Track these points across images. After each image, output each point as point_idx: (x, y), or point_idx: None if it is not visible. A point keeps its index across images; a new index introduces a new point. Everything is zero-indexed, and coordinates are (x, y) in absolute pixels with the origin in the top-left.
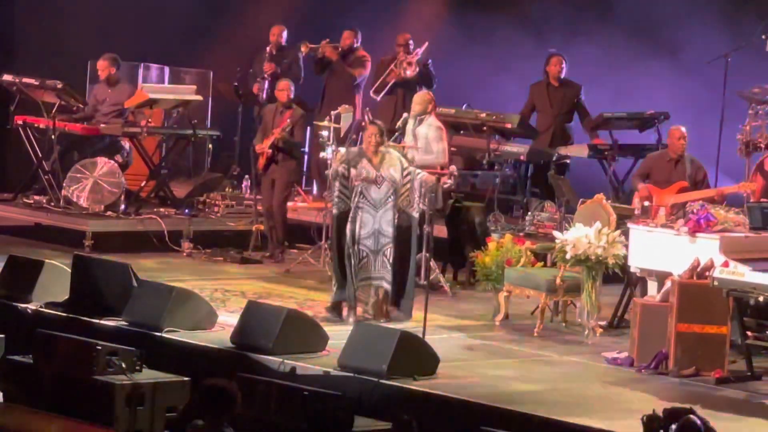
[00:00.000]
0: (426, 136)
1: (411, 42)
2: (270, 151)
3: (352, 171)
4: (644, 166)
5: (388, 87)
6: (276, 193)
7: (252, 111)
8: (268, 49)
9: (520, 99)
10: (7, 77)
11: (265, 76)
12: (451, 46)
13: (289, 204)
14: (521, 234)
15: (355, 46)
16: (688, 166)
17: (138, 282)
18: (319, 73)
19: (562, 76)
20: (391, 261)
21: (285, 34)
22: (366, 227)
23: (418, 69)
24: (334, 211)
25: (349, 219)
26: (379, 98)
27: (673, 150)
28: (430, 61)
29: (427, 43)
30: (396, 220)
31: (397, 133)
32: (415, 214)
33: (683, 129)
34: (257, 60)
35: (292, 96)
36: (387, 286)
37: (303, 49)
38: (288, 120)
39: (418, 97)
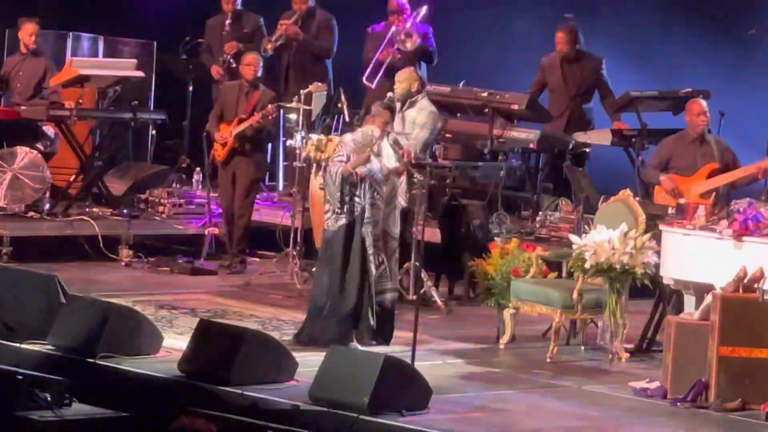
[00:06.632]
0: (413, 121)
1: (406, 6)
2: (235, 141)
3: (360, 168)
4: (659, 153)
5: (383, 70)
6: (238, 192)
7: (208, 91)
8: (225, 22)
9: (529, 76)
10: None
11: (227, 57)
12: (447, 12)
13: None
14: (531, 238)
15: (311, 5)
16: (714, 146)
17: (66, 298)
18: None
19: (578, 47)
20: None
21: None
22: (377, 228)
23: (419, 40)
24: (344, 220)
25: (365, 221)
26: (374, 85)
27: (693, 128)
28: (430, 29)
29: (426, 7)
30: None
31: None
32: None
33: (704, 103)
34: (210, 32)
35: (260, 73)
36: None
37: (268, 47)
38: (270, 107)
39: (401, 75)
